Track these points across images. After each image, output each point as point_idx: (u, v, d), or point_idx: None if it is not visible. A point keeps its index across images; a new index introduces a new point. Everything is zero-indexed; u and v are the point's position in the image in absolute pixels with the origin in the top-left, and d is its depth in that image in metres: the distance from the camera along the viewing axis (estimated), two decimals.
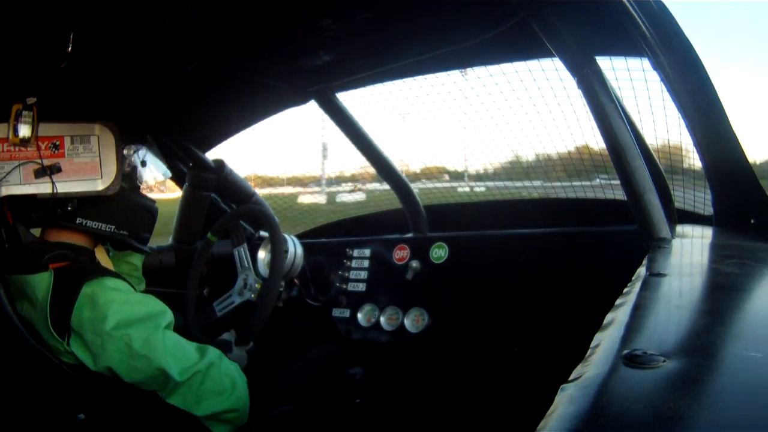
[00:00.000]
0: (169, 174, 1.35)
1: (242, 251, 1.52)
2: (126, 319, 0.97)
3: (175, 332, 1.07)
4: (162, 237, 2.00)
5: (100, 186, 1.09)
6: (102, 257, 1.16)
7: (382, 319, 1.66)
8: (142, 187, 1.25)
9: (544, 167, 1.91)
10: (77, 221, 1.09)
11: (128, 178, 1.19)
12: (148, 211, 1.24)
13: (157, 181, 1.29)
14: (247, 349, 1.30)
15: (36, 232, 1.14)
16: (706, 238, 1.18)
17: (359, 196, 2.74)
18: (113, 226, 1.14)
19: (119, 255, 1.34)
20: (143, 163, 1.22)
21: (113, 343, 0.95)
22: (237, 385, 1.06)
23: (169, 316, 1.05)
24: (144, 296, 1.06)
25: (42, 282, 0.98)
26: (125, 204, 1.17)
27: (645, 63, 1.17)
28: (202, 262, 1.58)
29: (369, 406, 1.54)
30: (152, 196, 1.30)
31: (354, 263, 1.81)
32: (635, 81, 1.26)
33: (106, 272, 1.05)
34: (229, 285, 1.54)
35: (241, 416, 1.06)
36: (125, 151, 1.16)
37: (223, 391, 1.02)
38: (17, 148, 1.03)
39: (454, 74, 1.48)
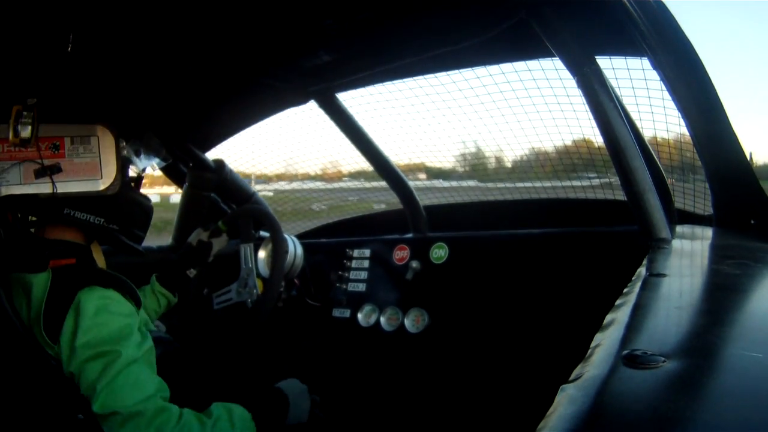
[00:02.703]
0: (166, 161, 1.30)
1: (248, 250, 1.52)
2: (97, 339, 0.92)
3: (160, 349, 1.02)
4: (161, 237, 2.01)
5: (100, 186, 1.09)
6: (98, 256, 1.13)
7: (382, 319, 1.67)
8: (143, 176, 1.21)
9: (543, 167, 1.91)
10: (65, 211, 1.05)
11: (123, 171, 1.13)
12: (142, 207, 1.18)
13: (153, 169, 1.24)
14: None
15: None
16: (706, 238, 1.18)
17: None
18: (102, 219, 1.09)
19: (154, 288, 1.34)
20: (137, 152, 1.18)
21: (75, 358, 0.92)
22: None
23: (147, 344, 0.98)
24: (127, 321, 0.98)
25: (39, 283, 0.97)
26: (118, 198, 1.11)
27: (645, 63, 1.18)
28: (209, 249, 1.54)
29: (368, 405, 1.53)
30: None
31: (354, 263, 1.81)
32: (635, 81, 1.26)
33: (103, 280, 1.00)
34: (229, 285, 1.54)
35: None
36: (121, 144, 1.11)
37: None
38: (17, 149, 1.03)
39: (454, 74, 1.48)
